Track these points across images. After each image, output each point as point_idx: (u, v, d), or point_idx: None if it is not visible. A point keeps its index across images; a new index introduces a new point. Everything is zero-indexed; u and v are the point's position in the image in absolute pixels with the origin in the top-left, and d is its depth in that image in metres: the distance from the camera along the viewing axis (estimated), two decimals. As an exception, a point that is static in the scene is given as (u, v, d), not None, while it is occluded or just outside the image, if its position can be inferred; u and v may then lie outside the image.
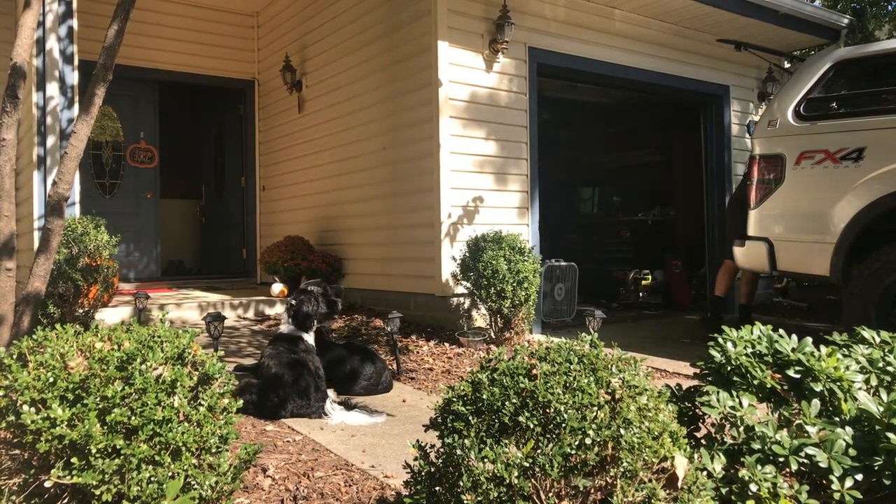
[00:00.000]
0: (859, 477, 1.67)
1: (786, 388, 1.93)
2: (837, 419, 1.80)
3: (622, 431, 1.52)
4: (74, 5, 4.82)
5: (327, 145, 6.91)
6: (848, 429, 1.74)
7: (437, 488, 1.61)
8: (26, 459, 1.72)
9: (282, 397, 3.29)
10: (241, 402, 1.93)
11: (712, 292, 6.41)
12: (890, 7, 10.48)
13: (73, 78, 4.79)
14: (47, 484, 1.65)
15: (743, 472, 1.67)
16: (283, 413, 3.29)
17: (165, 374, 1.77)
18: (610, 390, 1.62)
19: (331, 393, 3.54)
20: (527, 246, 5.08)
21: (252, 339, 5.07)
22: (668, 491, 1.56)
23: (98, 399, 1.69)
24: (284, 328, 3.65)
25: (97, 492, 1.62)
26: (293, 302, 3.68)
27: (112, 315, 5.19)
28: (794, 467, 1.68)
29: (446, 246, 5.41)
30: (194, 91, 8.90)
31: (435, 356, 4.69)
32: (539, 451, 1.51)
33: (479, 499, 1.49)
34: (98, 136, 7.67)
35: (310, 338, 3.65)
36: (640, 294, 7.85)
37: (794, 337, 2.04)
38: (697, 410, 1.99)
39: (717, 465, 1.71)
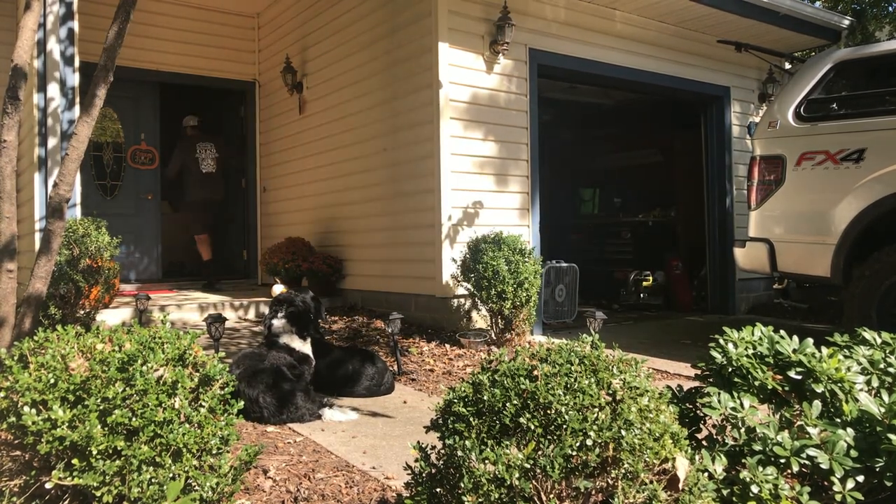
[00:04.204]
0: (861, 478, 1.67)
1: (787, 389, 1.93)
2: (839, 420, 1.80)
3: (623, 433, 1.52)
4: (75, 7, 4.82)
5: (328, 146, 6.91)
6: (849, 430, 1.74)
7: (437, 489, 1.60)
8: (27, 461, 1.72)
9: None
10: (241, 403, 1.93)
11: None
12: (890, 8, 10.48)
13: (73, 79, 4.79)
14: (48, 485, 1.65)
15: (744, 474, 1.66)
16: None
17: (166, 376, 1.78)
18: (611, 391, 1.62)
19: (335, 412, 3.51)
20: (527, 247, 5.08)
21: (252, 340, 5.07)
22: (669, 492, 1.56)
23: (99, 400, 1.69)
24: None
25: (98, 493, 1.62)
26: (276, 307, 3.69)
27: (113, 316, 5.19)
28: (796, 468, 1.67)
29: (447, 247, 5.41)
30: (195, 92, 8.88)
31: (436, 357, 4.69)
32: (540, 452, 1.51)
33: (479, 500, 1.49)
34: (98, 137, 7.66)
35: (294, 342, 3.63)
36: (641, 295, 7.85)
37: (795, 338, 2.04)
38: (698, 411, 1.99)
39: (719, 467, 1.71)
